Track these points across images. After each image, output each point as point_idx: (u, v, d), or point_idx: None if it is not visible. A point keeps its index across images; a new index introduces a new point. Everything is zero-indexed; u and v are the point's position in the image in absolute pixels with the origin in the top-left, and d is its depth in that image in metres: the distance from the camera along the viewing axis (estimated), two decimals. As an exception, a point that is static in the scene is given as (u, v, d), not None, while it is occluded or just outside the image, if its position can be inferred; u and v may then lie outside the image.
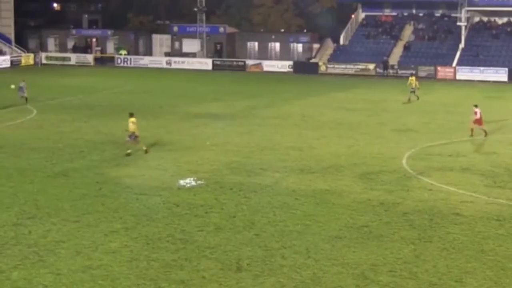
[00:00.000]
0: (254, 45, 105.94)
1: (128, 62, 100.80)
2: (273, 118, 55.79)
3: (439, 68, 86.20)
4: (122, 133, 48.26)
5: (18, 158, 40.77)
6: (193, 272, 23.74)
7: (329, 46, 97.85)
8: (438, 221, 29.49)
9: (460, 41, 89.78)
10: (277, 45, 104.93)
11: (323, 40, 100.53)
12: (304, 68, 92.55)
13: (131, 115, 42.06)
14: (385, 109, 59.95)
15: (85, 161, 40.20)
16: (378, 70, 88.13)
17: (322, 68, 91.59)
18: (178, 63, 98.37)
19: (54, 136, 47.65)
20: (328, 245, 26.51)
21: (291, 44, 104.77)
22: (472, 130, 46.91)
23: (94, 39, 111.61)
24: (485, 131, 47.14)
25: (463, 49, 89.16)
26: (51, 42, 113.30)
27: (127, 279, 23.11)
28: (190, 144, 45.05)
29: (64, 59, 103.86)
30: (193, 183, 35.22)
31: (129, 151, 41.21)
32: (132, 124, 41.30)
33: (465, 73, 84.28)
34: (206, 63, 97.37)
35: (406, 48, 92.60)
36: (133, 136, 41.28)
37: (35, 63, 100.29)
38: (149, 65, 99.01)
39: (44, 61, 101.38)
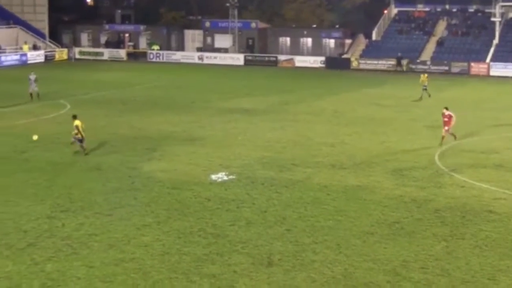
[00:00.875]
0: (286, 41, 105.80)
1: (161, 57, 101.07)
2: (305, 113, 55.76)
3: (472, 64, 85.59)
4: (155, 128, 48.52)
5: (52, 152, 41.08)
6: (224, 267, 23.83)
7: (361, 41, 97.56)
8: (470, 218, 29.36)
9: (494, 37, 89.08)
10: (309, 41, 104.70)
11: (355, 35, 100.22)
12: (336, 63, 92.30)
13: (74, 117, 40.84)
14: (417, 105, 59.71)
15: (118, 155, 40.42)
16: (411, 66, 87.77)
17: (354, 64, 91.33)
18: (210, 58, 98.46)
19: (87, 130, 47.80)
20: (360, 240, 26.50)
21: (323, 40, 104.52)
22: (443, 137, 43.06)
23: (126, 34, 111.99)
24: (454, 135, 43.84)
25: (497, 45, 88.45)
26: (84, 37, 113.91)
27: (159, 273, 23.25)
28: (222, 139, 45.16)
29: (97, 54, 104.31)
30: (225, 177, 35.30)
31: (81, 150, 40.48)
32: (77, 126, 39.98)
33: (499, 69, 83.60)
34: (238, 59, 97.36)
35: (439, 43, 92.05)
36: (78, 138, 40.19)
37: (69, 58, 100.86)
38: (181, 60, 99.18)
39: (77, 56, 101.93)
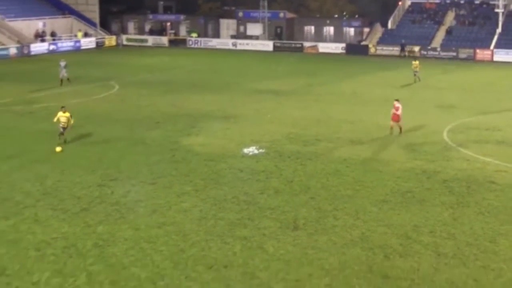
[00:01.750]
0: (310, 29, 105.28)
1: (199, 43, 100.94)
2: (327, 94, 55.58)
3: (477, 50, 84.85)
4: (193, 106, 48.59)
5: (102, 128, 41.29)
6: (254, 230, 23.93)
7: (378, 30, 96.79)
8: (474, 188, 29.25)
9: (497, 26, 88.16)
10: (331, 29, 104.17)
11: (372, 24, 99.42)
12: (355, 49, 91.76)
13: (63, 108, 36.95)
14: (427, 87, 59.30)
15: (161, 130, 40.57)
16: (422, 52, 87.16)
17: (372, 50, 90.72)
18: (243, 44, 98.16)
19: (133, 109, 48.11)
20: (375, 208, 26.49)
21: (344, 28, 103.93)
22: (391, 128, 39.40)
23: (168, 23, 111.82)
24: (401, 128, 39.62)
25: (500, 34, 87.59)
26: (130, 26, 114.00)
27: (196, 235, 23.39)
28: (253, 117, 45.15)
29: (142, 40, 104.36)
30: (255, 151, 35.34)
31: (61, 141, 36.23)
32: (62, 117, 36.23)
33: (501, 56, 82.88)
34: (267, 45, 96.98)
35: (448, 32, 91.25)
36: (63, 127, 36.21)
37: (117, 44, 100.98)
38: (217, 47, 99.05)
39: (124, 43, 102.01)
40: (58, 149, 34.43)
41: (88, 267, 20.84)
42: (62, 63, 59.55)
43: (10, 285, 19.65)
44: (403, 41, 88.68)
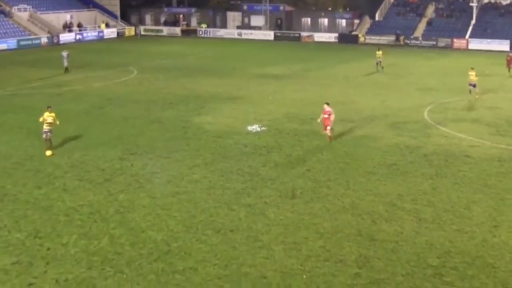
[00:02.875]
0: (307, 21, 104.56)
1: (208, 33, 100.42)
2: (322, 78, 55.38)
3: (454, 40, 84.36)
4: (203, 89, 48.47)
5: (123, 108, 41.26)
6: (257, 198, 23.95)
7: (367, 21, 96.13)
8: (451, 161, 29.22)
9: (472, 18, 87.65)
10: (325, 21, 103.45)
11: (362, 16, 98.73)
12: (347, 39, 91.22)
13: (49, 108, 31.21)
14: (411, 72, 59.10)
15: (174, 110, 40.52)
16: (406, 41, 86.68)
17: (361, 39, 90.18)
18: (247, 34, 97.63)
19: (150, 91, 48.02)
20: (364, 179, 26.48)
21: (337, 20, 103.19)
22: (329, 136, 32.50)
23: (181, 15, 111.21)
24: (330, 137, 32.34)
25: (474, 25, 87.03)
26: (148, 18, 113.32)
27: (206, 203, 23.42)
28: (256, 98, 45.05)
29: (157, 31, 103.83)
30: (258, 129, 35.30)
31: (48, 145, 30.36)
32: (49, 117, 30.50)
33: (475, 44, 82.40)
34: (269, 35, 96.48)
35: (429, 23, 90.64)
36: (48, 132, 30.21)
37: (136, 34, 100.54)
38: (224, 36, 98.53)
39: (142, 33, 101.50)
40: (48, 153, 29.61)
41: (110, 230, 20.90)
42: (65, 53, 58.23)
43: (42, 246, 19.73)
44: (397, 31, 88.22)
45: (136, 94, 46.63)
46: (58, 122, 30.95)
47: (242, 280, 17.48)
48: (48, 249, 19.55)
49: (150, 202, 23.49)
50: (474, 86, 44.37)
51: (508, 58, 56.82)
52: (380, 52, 59.34)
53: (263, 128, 35.37)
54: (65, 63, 57.46)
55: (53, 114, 30.46)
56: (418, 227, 21.26)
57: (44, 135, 30.10)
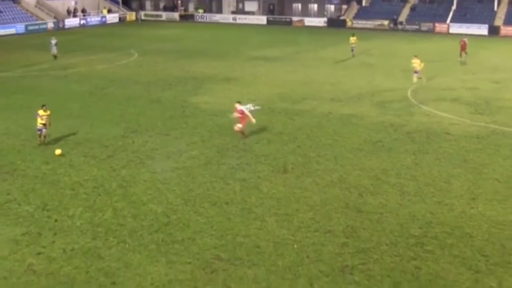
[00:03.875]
0: (298, 6, 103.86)
1: (204, 18, 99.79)
2: (312, 60, 55.21)
3: (436, 24, 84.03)
4: (200, 70, 48.31)
5: (124, 89, 41.13)
6: (251, 173, 23.99)
7: (354, 6, 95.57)
8: (433, 138, 29.27)
9: (453, 4, 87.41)
10: (315, 6, 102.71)
11: (350, 2, 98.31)
12: (335, 23, 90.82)
13: (44, 107, 27.90)
14: (395, 55, 58.96)
15: (173, 91, 40.42)
16: (391, 25, 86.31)
17: (349, 24, 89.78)
18: (241, 19, 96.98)
19: (150, 73, 47.84)
20: (351, 154, 26.53)
21: (326, 5, 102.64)
22: (242, 133, 29.02)
23: (179, 1, 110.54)
24: (243, 132, 28.96)
25: (454, 10, 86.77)
26: (148, 3, 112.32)
27: (203, 177, 23.45)
28: (250, 79, 44.95)
29: (157, 16, 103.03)
30: (252, 108, 35.23)
31: (42, 140, 27.93)
32: (44, 116, 27.59)
33: (456, 28, 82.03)
34: (262, 19, 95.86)
35: (412, 9, 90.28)
36: (42, 129, 27.63)
37: (136, 19, 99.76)
38: (220, 21, 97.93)
39: (143, 18, 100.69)
40: (58, 151, 26.34)
41: (113, 203, 20.92)
42: (53, 41, 55.22)
43: (50, 218, 19.76)
44: (395, 16, 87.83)
45: (136, 75, 46.45)
46: (51, 124, 27.93)
47: (237, 249, 17.55)
48: (56, 220, 19.59)
49: (151, 177, 23.50)
50: (417, 72, 42.58)
51: (462, 43, 55.69)
52: (354, 38, 57.29)
53: (256, 107, 35.31)
54: (54, 51, 54.85)
55: (48, 112, 27.57)
56: (402, 200, 21.35)
57: (38, 132, 27.61)
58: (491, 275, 16.25)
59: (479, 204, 21.04)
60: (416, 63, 42.56)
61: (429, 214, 20.09)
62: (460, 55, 54.64)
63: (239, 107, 28.86)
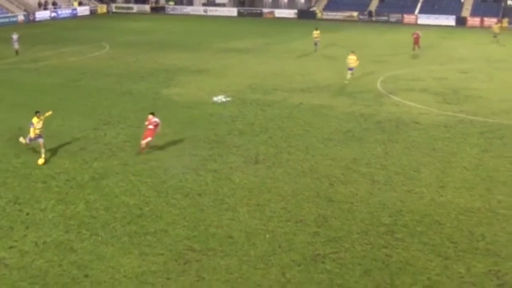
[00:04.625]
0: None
1: (176, 10, 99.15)
2: (282, 52, 55.13)
3: (405, 15, 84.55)
4: (171, 62, 48.00)
5: (96, 81, 40.72)
6: (223, 164, 23.90)
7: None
8: (402, 127, 29.42)
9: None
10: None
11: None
12: (305, 15, 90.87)
13: (37, 113, 24.63)
14: (365, 45, 59.08)
15: (145, 83, 40.10)
16: (361, 17, 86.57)
17: (319, 15, 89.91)
18: (212, 11, 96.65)
19: (122, 65, 47.41)
20: (322, 144, 26.56)
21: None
22: (143, 148, 25.25)
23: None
24: (143, 148, 25.16)
25: (423, 1, 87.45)
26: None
27: (175, 169, 23.30)
28: (221, 71, 44.76)
29: (128, 8, 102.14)
30: (223, 99, 35.13)
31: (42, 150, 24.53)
32: (38, 124, 24.48)
33: (424, 19, 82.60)
34: (233, 11, 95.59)
35: (381, 0, 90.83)
36: (34, 138, 24.50)
37: (107, 12, 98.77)
38: (191, 13, 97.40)
39: (114, 10, 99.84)
40: (41, 161, 23.94)
41: (86, 196, 20.69)
42: (15, 36, 53.27)
43: (22, 211, 19.48)
44: (370, 9, 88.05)
45: (108, 68, 46.00)
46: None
47: (210, 240, 17.47)
48: (28, 214, 19.31)
49: (123, 169, 23.28)
50: (351, 69, 40.48)
51: (415, 36, 55.51)
52: (317, 32, 55.71)
53: (228, 99, 35.19)
54: (16, 46, 52.96)
55: (42, 118, 24.62)
56: (372, 189, 21.42)
57: (29, 142, 24.81)
58: (460, 262, 16.38)
59: (447, 192, 21.19)
60: (352, 60, 40.64)
61: (399, 203, 20.18)
62: (413, 49, 54.35)
63: (153, 118, 25.26)
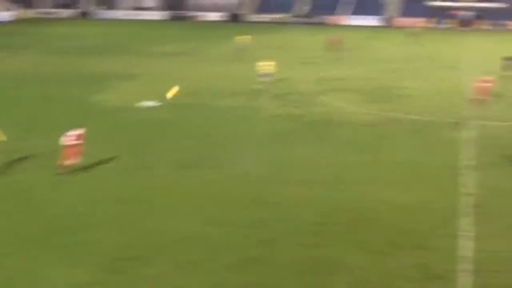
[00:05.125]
0: (198, 1, 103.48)
1: (105, 15, 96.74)
2: (211, 55, 54.96)
3: (333, 17, 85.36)
4: (102, 67, 47.25)
5: (23, 89, 39.51)
6: (152, 170, 23.65)
7: (254, 0, 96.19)
8: (331, 127, 29.86)
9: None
10: (215, 0, 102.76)
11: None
12: (235, 18, 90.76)
13: None
14: (295, 47, 59.64)
15: (74, 89, 39.09)
16: (291, 19, 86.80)
17: (249, 18, 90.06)
18: (142, 15, 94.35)
19: (50, 71, 46.31)
20: (252, 147, 26.58)
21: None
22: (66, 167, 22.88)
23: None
24: (65, 167, 22.69)
25: (349, 2, 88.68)
26: (47, 1, 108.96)
27: (107, 175, 22.90)
28: (151, 75, 44.33)
29: (56, 13, 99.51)
30: (153, 104, 34.78)
31: None
32: None
33: (350, 20, 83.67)
34: (162, 15, 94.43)
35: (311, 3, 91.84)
36: None
37: (35, 18, 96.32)
38: (121, 17, 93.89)
39: (42, 16, 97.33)
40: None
41: (12, 209, 20.00)
42: None
43: None
44: (300, 11, 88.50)
45: (36, 74, 44.92)
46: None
47: (142, 248, 17.10)
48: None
49: (51, 180, 22.58)
50: (266, 76, 39.24)
51: (336, 38, 55.82)
52: (244, 37, 55.61)
53: (158, 103, 34.85)
54: None
55: None
56: (303, 189, 21.47)
57: None
58: (389, 257, 16.58)
59: (377, 189, 21.50)
60: (267, 66, 39.82)
61: (329, 202, 20.34)
62: (335, 50, 54.78)
63: (74, 133, 23.09)
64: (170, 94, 26.98)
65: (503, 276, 15.67)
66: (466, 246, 17.03)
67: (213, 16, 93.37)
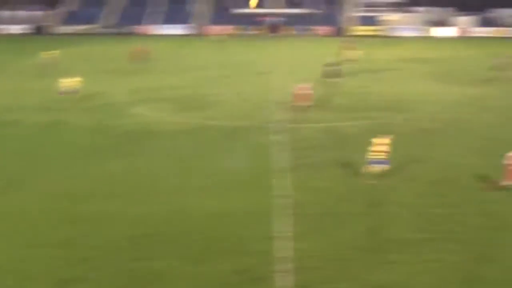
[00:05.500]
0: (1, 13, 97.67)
1: None
2: (18, 70, 52.08)
3: (140, 26, 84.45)
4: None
5: None
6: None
7: (61, 11, 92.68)
8: (144, 138, 29.40)
9: (154, 5, 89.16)
10: (20, 13, 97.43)
11: (55, 6, 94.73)
12: (41, 30, 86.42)
13: None
14: (105, 59, 58.07)
15: None
16: (100, 29, 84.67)
17: (56, 30, 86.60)
18: None
19: None
20: (62, 164, 25.51)
21: (29, 12, 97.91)
22: None
23: None
24: None
25: (156, 12, 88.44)
26: None
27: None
28: None
29: None
30: None
31: None
32: None
33: (158, 30, 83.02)
34: None
35: (112, 12, 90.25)
36: None
37: None
38: None
39: None
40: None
41: None
42: None
43: None
44: (115, 19, 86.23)
45: None
46: None
47: None
48: None
49: None
50: (71, 93, 37.50)
51: (139, 49, 55.26)
52: (52, 52, 51.78)
53: None
54: None
55: None
56: (117, 204, 20.82)
57: None
58: (208, 263, 16.50)
59: (192, 197, 21.40)
60: (71, 82, 38.00)
61: (145, 215, 19.89)
62: (138, 61, 53.46)
63: None
64: None
65: (321, 272, 16.19)
66: (284, 247, 17.38)
67: (16, 28, 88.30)
